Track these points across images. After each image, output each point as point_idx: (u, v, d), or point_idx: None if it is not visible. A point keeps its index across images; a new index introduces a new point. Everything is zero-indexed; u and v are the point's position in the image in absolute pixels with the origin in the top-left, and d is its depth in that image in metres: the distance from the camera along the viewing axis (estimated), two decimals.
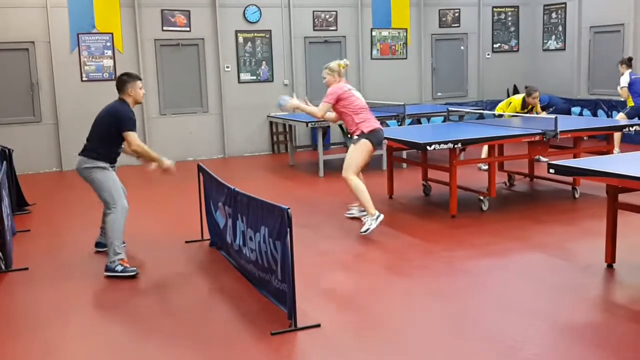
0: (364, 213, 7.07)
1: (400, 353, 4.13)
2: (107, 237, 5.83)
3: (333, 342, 4.31)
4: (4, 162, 7.60)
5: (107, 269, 5.78)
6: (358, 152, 6.97)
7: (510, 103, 10.37)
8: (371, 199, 6.93)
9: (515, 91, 15.38)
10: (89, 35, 12.01)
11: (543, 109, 11.20)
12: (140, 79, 6.08)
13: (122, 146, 6.07)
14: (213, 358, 4.17)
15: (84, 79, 12.02)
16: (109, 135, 5.90)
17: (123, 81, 5.99)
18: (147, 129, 12.41)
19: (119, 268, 5.75)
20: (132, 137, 5.87)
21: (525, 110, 10.10)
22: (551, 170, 5.49)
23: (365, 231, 6.76)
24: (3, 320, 4.93)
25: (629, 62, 11.33)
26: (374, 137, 7.02)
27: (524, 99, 10.12)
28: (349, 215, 7.63)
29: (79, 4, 11.86)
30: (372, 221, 6.82)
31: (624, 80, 11.13)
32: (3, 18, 11.44)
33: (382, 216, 6.88)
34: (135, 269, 5.79)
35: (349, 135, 7.38)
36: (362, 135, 6.94)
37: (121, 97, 5.98)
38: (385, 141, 8.18)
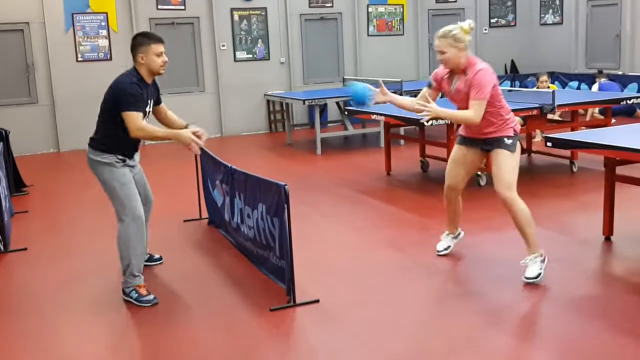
0: (455, 240, 5.45)
1: (399, 328, 4.15)
2: (119, 252, 4.70)
3: (332, 318, 4.33)
4: (1, 144, 7.57)
5: (123, 292, 4.75)
6: (515, 162, 4.80)
7: None
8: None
9: (513, 66, 15.34)
10: (84, 15, 11.92)
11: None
12: (158, 41, 4.71)
13: None
14: (213, 335, 4.18)
15: (79, 59, 11.95)
16: (111, 117, 4.59)
17: (133, 44, 4.70)
18: None
19: (134, 295, 4.68)
20: (130, 119, 4.48)
21: None
22: (549, 144, 5.48)
23: (536, 277, 4.68)
24: (1, 301, 4.94)
25: (599, 74, 12.58)
26: (518, 138, 4.93)
27: (537, 87, 10.53)
28: (443, 252, 5.41)
29: None
30: (541, 263, 4.75)
31: (594, 87, 12.22)
32: None
33: (546, 258, 4.81)
34: (152, 298, 4.67)
35: (485, 140, 4.87)
36: (516, 136, 4.83)
37: (134, 65, 4.72)
38: (382, 117, 8.18)
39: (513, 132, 4.78)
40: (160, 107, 5.07)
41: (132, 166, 4.83)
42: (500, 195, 4.77)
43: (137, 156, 4.95)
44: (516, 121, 4.89)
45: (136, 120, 4.52)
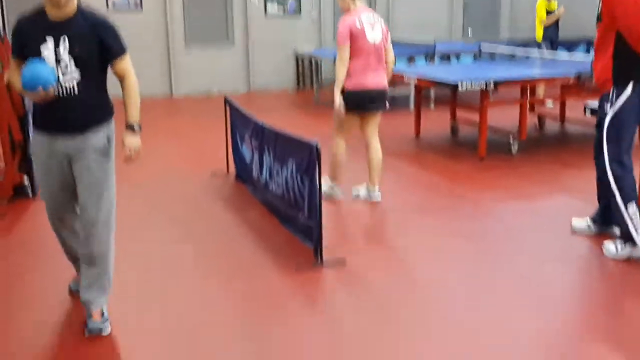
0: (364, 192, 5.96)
1: (424, 290, 4.11)
2: None
3: (357, 278, 4.30)
4: None
5: None
6: (337, 115, 5.88)
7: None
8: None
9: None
10: None
11: None
12: None
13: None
14: (237, 292, 4.17)
15: (109, 8, 11.84)
16: None
17: None
18: (172, 61, 12.29)
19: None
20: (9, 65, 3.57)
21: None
22: (587, 113, 5.34)
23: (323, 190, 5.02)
24: (26, 249, 4.98)
25: None
26: (351, 99, 5.62)
27: None
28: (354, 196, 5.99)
29: None
30: (329, 186, 5.86)
31: None
32: None
33: (338, 193, 5.90)
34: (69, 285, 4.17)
35: None
36: (347, 93, 5.65)
37: None
38: (415, 79, 8.03)
39: (344, 88, 5.58)
40: (114, 67, 3.52)
41: (57, 152, 3.53)
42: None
43: (77, 141, 3.50)
44: (357, 82, 5.54)
45: (9, 70, 3.55)
